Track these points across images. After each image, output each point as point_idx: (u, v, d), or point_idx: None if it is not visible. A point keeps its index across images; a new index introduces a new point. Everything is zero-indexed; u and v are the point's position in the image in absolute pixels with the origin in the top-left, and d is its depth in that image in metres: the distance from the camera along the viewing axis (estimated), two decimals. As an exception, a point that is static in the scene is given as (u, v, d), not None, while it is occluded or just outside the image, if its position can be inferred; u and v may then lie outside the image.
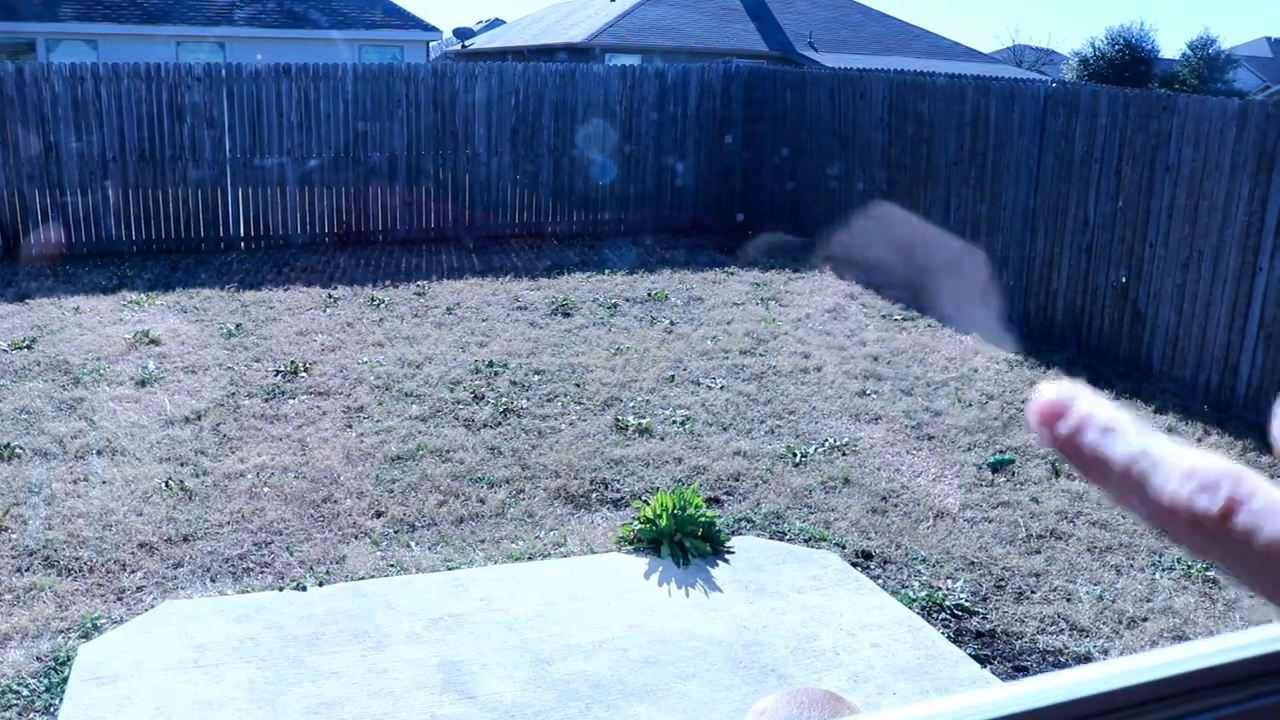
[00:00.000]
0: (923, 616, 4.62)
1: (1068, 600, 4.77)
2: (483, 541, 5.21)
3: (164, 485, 5.60)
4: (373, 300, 9.58)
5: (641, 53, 22.39)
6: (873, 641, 4.40)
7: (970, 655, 4.35)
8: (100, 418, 6.53)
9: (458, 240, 12.24)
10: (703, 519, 5.14)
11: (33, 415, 6.53)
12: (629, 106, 12.83)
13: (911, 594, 4.79)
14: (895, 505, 5.68)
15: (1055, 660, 4.35)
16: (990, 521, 5.50)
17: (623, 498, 5.69)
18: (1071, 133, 8.46)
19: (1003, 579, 4.95)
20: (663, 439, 6.45)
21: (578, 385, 7.36)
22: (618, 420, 6.69)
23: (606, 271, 10.85)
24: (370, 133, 11.92)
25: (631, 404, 7.03)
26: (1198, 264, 7.35)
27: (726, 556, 5.08)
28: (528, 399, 7.09)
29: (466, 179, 12.42)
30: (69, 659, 4.13)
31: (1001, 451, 6.36)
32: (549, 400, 7.10)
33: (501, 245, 12.13)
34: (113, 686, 3.96)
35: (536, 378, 7.52)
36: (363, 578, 4.83)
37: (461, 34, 34.57)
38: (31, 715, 3.85)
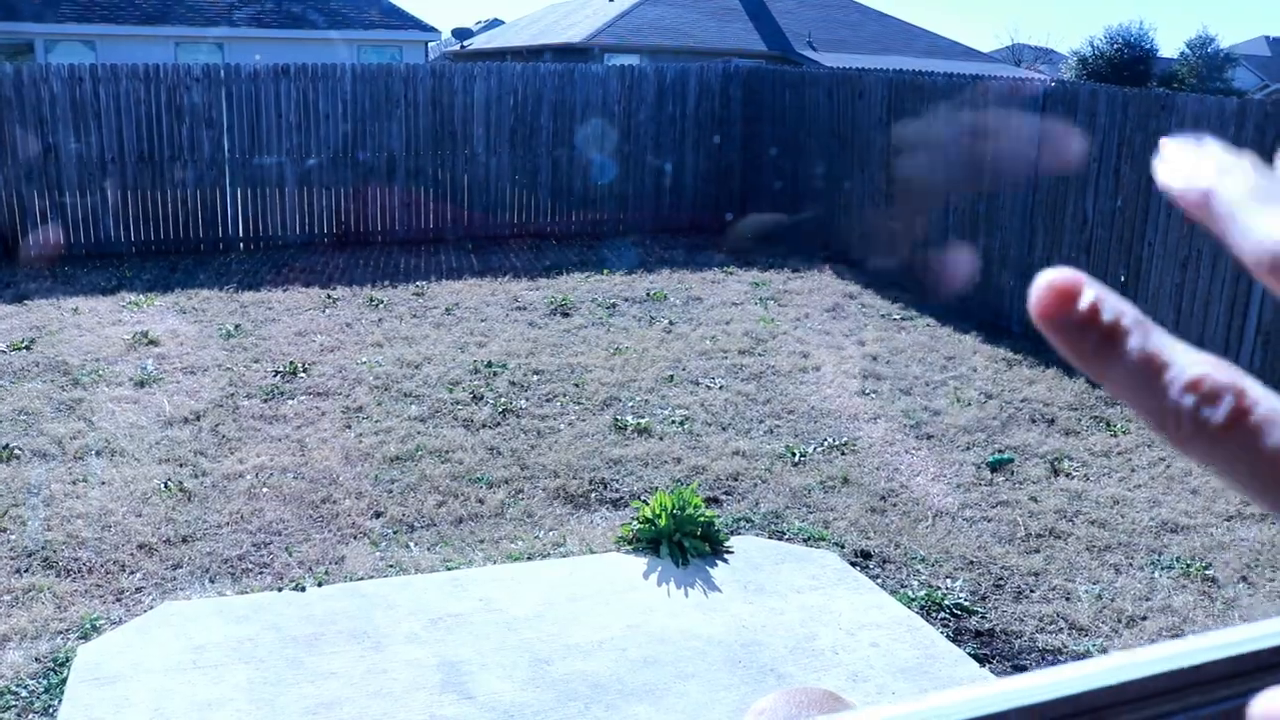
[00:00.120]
0: (922, 616, 4.62)
1: (1067, 599, 4.77)
2: (482, 542, 5.21)
3: (163, 486, 5.60)
4: (371, 301, 9.58)
5: (640, 53, 22.39)
6: (872, 641, 4.40)
7: (969, 654, 4.35)
8: (99, 419, 6.53)
9: (456, 240, 12.24)
10: (702, 519, 5.14)
11: (31, 416, 6.53)
12: (628, 106, 12.83)
13: (910, 593, 4.79)
14: (894, 505, 5.68)
15: (1054, 659, 4.35)
16: (989, 521, 5.50)
17: (622, 498, 5.69)
18: (1070, 131, 8.46)
19: (1002, 578, 4.95)
20: (662, 439, 6.45)
21: (577, 385, 7.36)
22: (617, 420, 6.69)
23: (605, 271, 10.85)
24: (369, 133, 11.92)
25: (630, 404, 7.03)
26: (1196, 263, 7.35)
27: (725, 556, 5.08)
28: (526, 399, 7.09)
29: (465, 179, 12.42)
30: (68, 660, 4.13)
31: (1000, 451, 6.37)
32: (548, 400, 7.10)
33: (500, 245, 12.12)
34: (111, 687, 3.96)
35: (535, 378, 7.51)
36: (362, 578, 4.83)
37: (460, 34, 34.56)
38: (30, 716, 3.85)
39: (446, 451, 6.18)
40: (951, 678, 4.15)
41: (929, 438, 6.57)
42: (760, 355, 8.16)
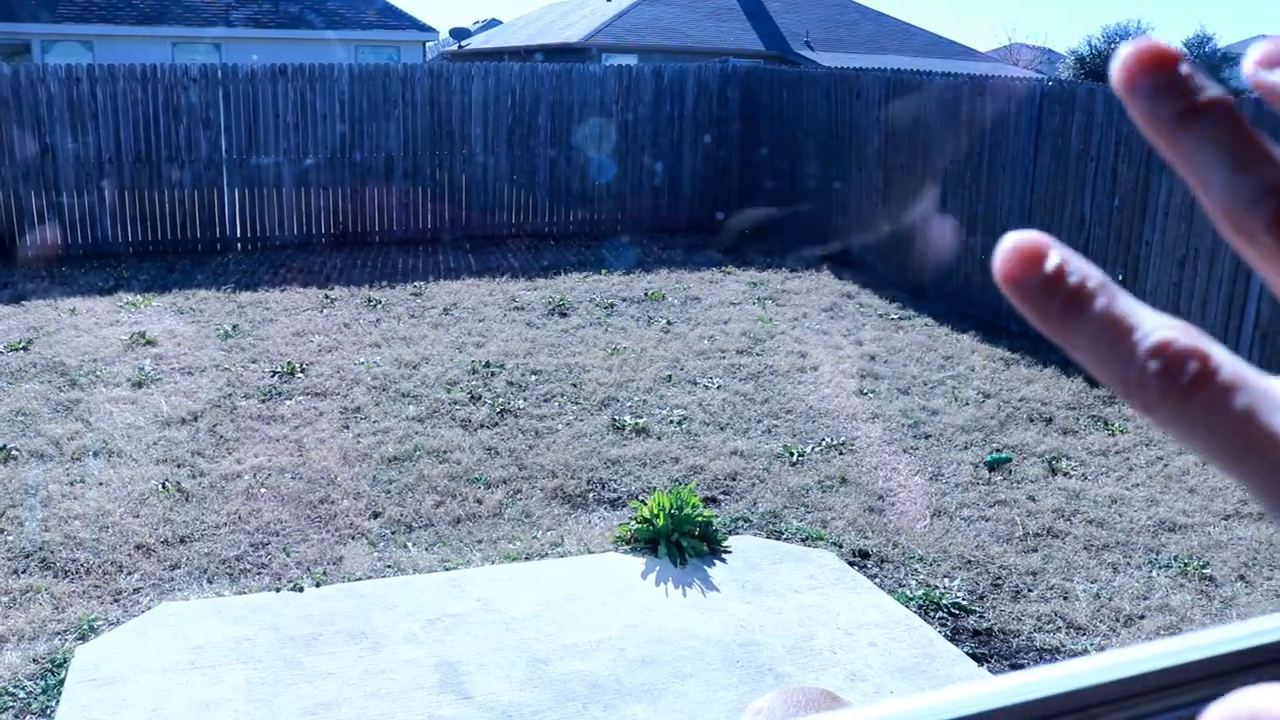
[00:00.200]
0: (920, 615, 4.62)
1: (1065, 598, 4.77)
2: (480, 542, 5.21)
3: (161, 487, 5.60)
4: (369, 301, 9.57)
5: (638, 52, 22.39)
6: (870, 640, 4.40)
7: (967, 654, 4.35)
8: (97, 419, 6.53)
9: (454, 240, 12.23)
10: (700, 518, 5.14)
11: (29, 417, 6.52)
12: (625, 106, 12.83)
13: (909, 593, 4.79)
14: (892, 504, 5.68)
15: (1052, 658, 4.36)
16: (987, 520, 5.50)
17: (620, 498, 5.69)
18: (1068, 131, 8.47)
19: (1000, 577, 4.95)
20: (660, 439, 6.45)
21: (575, 385, 7.36)
22: (615, 420, 6.69)
23: (603, 271, 10.85)
24: (366, 133, 11.92)
25: (628, 404, 7.03)
26: (1193, 262, 7.36)
27: (723, 556, 5.08)
28: (524, 399, 7.09)
29: (463, 179, 12.42)
30: (65, 661, 4.13)
31: (998, 450, 6.37)
32: (546, 400, 7.10)
33: (498, 245, 12.12)
34: (109, 688, 3.95)
35: (533, 378, 7.51)
36: (360, 578, 4.83)
37: (458, 34, 34.55)
38: (28, 717, 3.84)
39: (444, 452, 6.18)
40: (950, 677, 4.15)
41: (927, 437, 6.57)
42: (758, 355, 8.16)
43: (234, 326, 8.61)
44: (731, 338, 8.57)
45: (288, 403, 6.92)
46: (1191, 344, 0.27)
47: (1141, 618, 4.62)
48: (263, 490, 5.62)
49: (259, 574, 4.84)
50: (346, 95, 11.77)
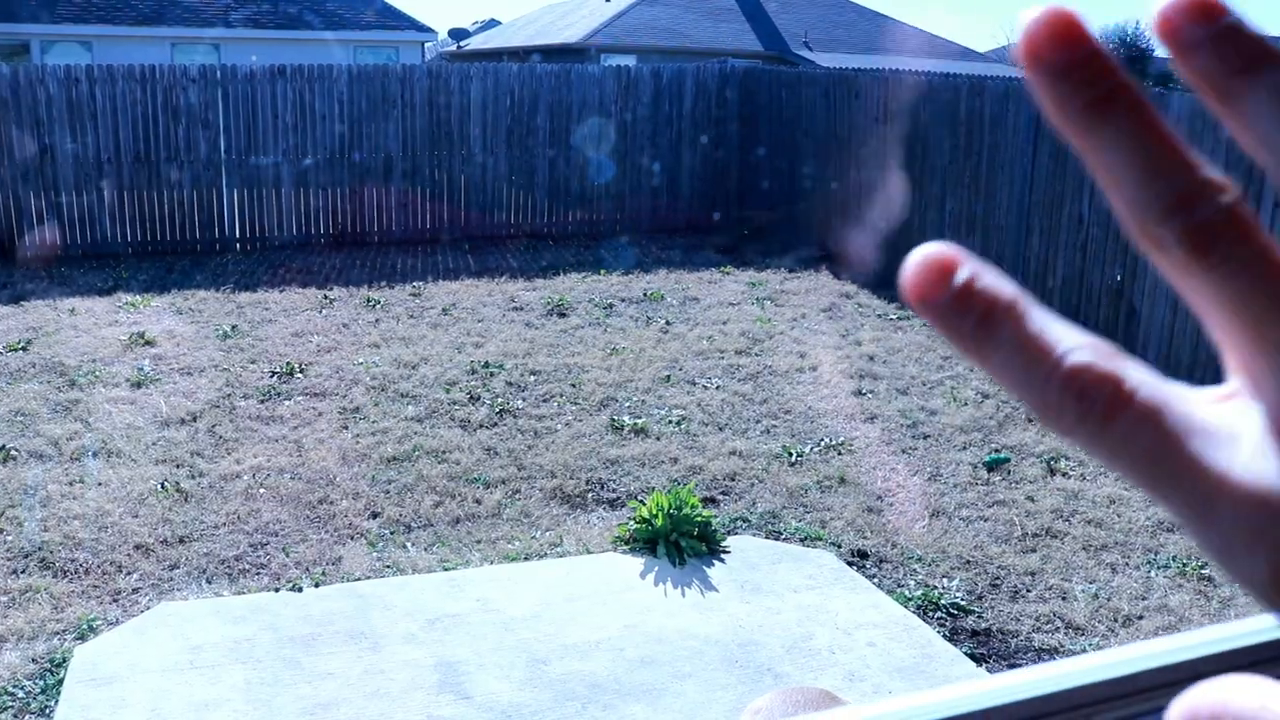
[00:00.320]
0: (919, 615, 4.63)
1: (1063, 599, 4.77)
2: (479, 542, 5.21)
3: (160, 487, 5.60)
4: (368, 301, 9.57)
5: (637, 53, 22.39)
6: (869, 640, 4.40)
7: (966, 654, 4.36)
8: (96, 419, 6.53)
9: (453, 241, 12.23)
10: (698, 519, 5.14)
11: (28, 417, 6.52)
12: (624, 106, 12.83)
13: (907, 593, 4.79)
14: (891, 504, 5.68)
15: (1051, 658, 4.36)
16: (986, 520, 5.50)
17: (619, 498, 5.69)
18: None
19: (998, 578, 4.95)
20: (658, 439, 6.45)
21: (573, 385, 7.36)
22: (613, 420, 6.69)
23: (602, 271, 10.85)
24: (365, 134, 11.92)
25: (627, 404, 7.03)
26: (1192, 262, 7.35)
27: (722, 556, 5.08)
28: (523, 399, 7.09)
29: (462, 179, 12.42)
30: (64, 661, 4.13)
31: (997, 450, 6.37)
32: (545, 401, 7.10)
33: (497, 245, 12.12)
34: (108, 688, 3.95)
35: (532, 378, 7.52)
36: (359, 578, 4.83)
37: (457, 34, 34.55)
38: (27, 717, 3.85)
39: (443, 452, 6.18)
40: (948, 677, 4.16)
41: (926, 437, 6.58)
42: (757, 355, 8.17)
43: (233, 327, 8.61)
44: (730, 338, 8.58)
45: (287, 403, 6.92)
46: (1108, 368, 0.26)
47: (1140, 618, 4.63)
48: (262, 490, 5.62)
49: (258, 574, 4.84)
50: (345, 96, 11.77)
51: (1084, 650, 4.43)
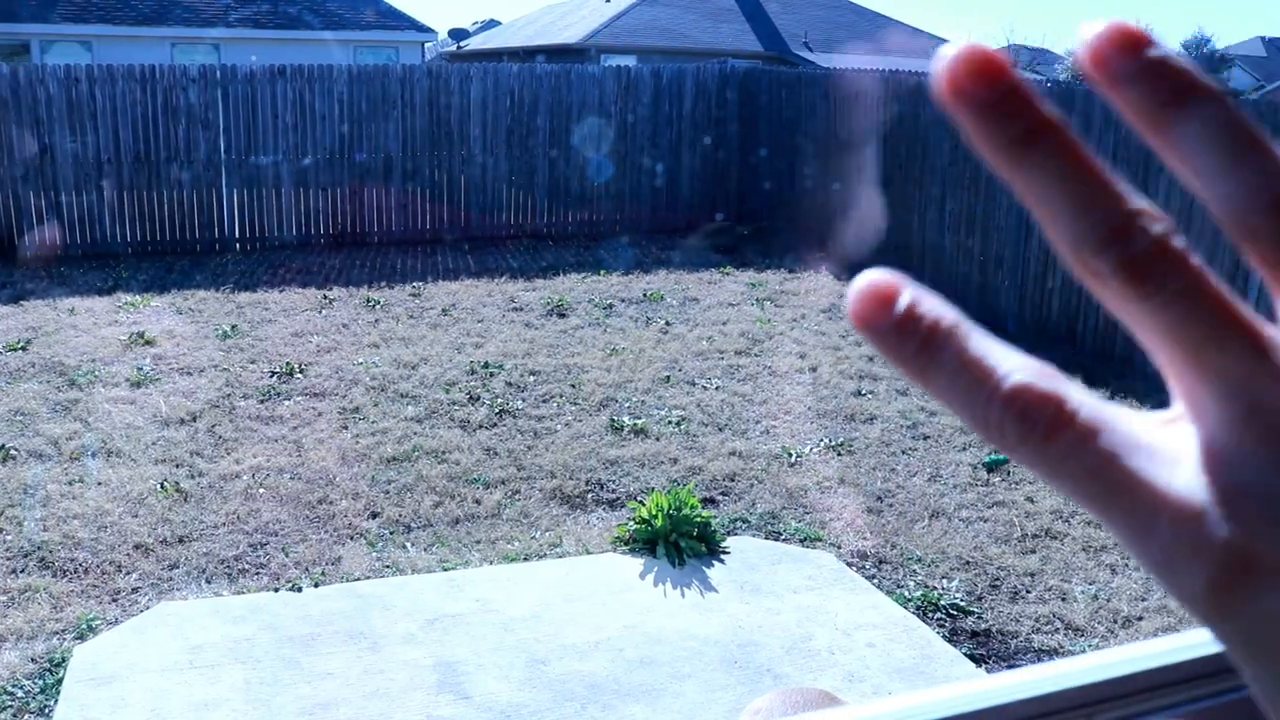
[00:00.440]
0: (918, 616, 4.63)
1: (1063, 600, 4.77)
2: (478, 542, 5.21)
3: (159, 487, 5.60)
4: (368, 301, 9.57)
5: (637, 53, 22.39)
6: (868, 641, 4.40)
7: (965, 655, 4.36)
8: (95, 419, 6.52)
9: (453, 241, 12.23)
10: (698, 519, 5.14)
11: (28, 417, 6.52)
12: (624, 107, 12.83)
13: (907, 594, 4.79)
14: (891, 505, 5.68)
15: (1050, 659, 4.36)
16: (985, 521, 5.50)
17: (618, 498, 5.69)
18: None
19: (998, 578, 4.95)
20: (658, 439, 6.45)
21: (573, 386, 7.36)
22: (613, 421, 6.69)
23: (602, 272, 10.85)
24: (365, 134, 11.92)
25: (627, 404, 7.03)
26: (1192, 263, 7.36)
27: (722, 557, 5.08)
28: (523, 400, 7.09)
29: (462, 180, 12.42)
30: (64, 660, 4.13)
31: (996, 451, 6.36)
32: (544, 401, 7.10)
33: (497, 246, 12.12)
34: (108, 688, 3.95)
35: (532, 379, 7.51)
36: (358, 579, 4.83)
37: (457, 35, 34.56)
38: (26, 717, 3.84)
39: (443, 452, 6.18)
40: (948, 678, 4.16)
41: (925, 438, 6.58)
42: (757, 355, 8.17)
43: (233, 327, 8.61)
44: (730, 338, 8.58)
45: (286, 403, 6.92)
46: (1048, 388, 0.26)
47: (1139, 619, 4.63)
48: (261, 490, 5.62)
49: (257, 574, 4.84)
50: (345, 96, 11.77)
51: (1084, 652, 4.43)
